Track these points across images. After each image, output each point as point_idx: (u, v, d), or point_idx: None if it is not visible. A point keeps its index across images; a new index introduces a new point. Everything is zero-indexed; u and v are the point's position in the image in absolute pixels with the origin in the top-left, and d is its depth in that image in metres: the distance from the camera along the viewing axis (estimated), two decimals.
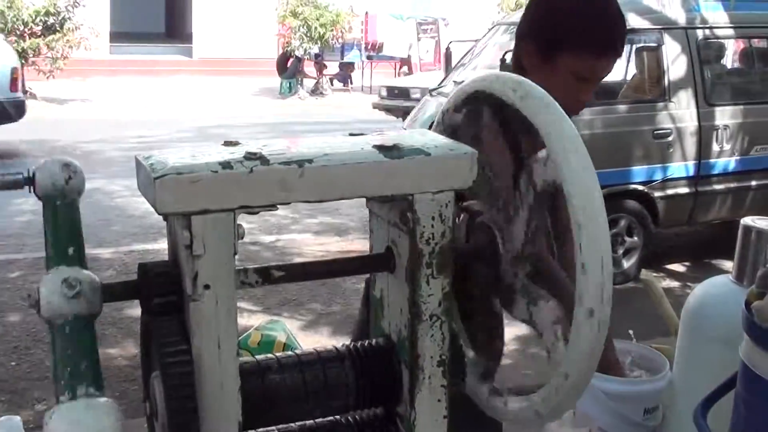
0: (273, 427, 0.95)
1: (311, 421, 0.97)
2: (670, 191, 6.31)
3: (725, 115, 6.42)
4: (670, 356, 1.70)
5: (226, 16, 24.19)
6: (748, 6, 6.70)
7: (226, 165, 0.82)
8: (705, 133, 6.31)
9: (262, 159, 0.83)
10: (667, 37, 6.27)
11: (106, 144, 11.96)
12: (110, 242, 7.03)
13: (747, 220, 1.55)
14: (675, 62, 6.27)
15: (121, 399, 4.12)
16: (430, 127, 1.09)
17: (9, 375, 4.39)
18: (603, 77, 1.77)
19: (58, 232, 0.91)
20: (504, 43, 7.24)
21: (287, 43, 20.97)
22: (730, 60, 7.75)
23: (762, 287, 1.18)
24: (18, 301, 5.42)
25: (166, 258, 0.91)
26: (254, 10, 23.54)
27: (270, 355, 0.95)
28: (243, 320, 4.63)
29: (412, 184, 0.89)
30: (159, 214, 0.82)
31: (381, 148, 0.89)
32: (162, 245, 6.41)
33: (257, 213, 0.84)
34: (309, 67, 20.83)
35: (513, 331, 1.44)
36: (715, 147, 6.37)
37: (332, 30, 20.97)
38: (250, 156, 0.83)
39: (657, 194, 6.25)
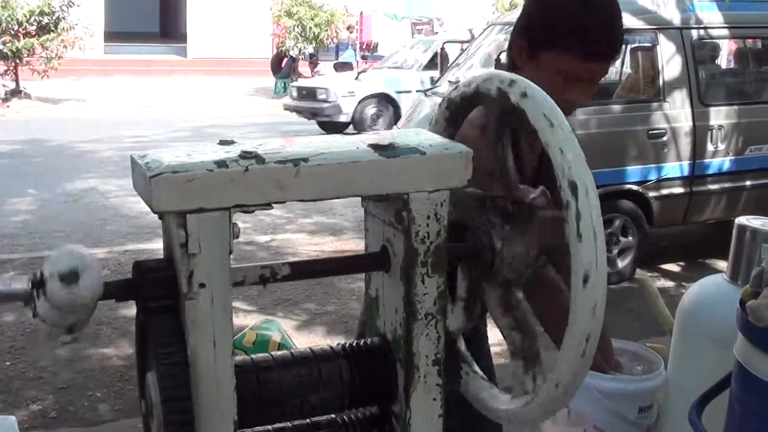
0: (268, 426, 0.95)
1: (306, 420, 0.97)
2: (664, 191, 6.31)
3: (720, 116, 6.43)
4: (664, 355, 1.70)
5: (221, 16, 24.17)
6: (743, 6, 6.70)
7: (222, 164, 0.82)
8: (699, 133, 6.31)
9: (258, 158, 0.83)
10: (661, 37, 6.27)
11: (101, 144, 11.94)
12: (105, 242, 7.02)
13: (742, 220, 1.55)
14: (670, 62, 6.27)
15: (116, 398, 4.11)
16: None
17: (4, 375, 4.38)
18: (596, 80, 1.74)
19: None
20: (499, 42, 7.24)
21: (281, 43, 20.96)
22: (724, 60, 7.76)
23: (756, 286, 1.19)
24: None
25: (162, 257, 0.91)
26: (249, 10, 23.54)
27: (265, 354, 0.95)
28: (238, 320, 4.63)
29: (408, 183, 0.89)
30: (154, 212, 0.82)
31: (376, 147, 0.89)
32: (157, 245, 6.40)
33: (252, 212, 0.84)
34: (303, 67, 20.81)
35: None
36: (710, 147, 6.38)
37: (327, 30, 20.97)
38: (245, 155, 0.83)
39: (652, 194, 6.26)
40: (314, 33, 20.64)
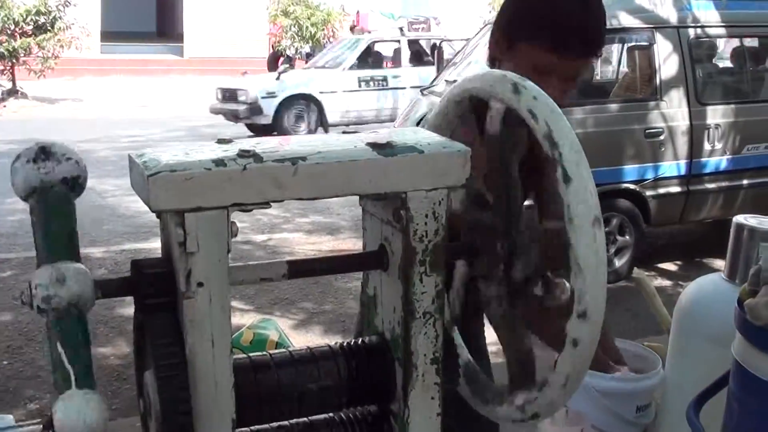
0: (266, 425, 0.95)
1: (305, 419, 0.97)
2: (661, 190, 6.33)
3: (717, 114, 6.44)
4: (662, 354, 1.70)
5: (217, 16, 24.17)
6: (740, 5, 6.71)
7: (220, 162, 0.82)
8: (696, 132, 6.33)
9: (256, 156, 0.83)
10: (658, 36, 6.28)
11: (98, 143, 11.93)
12: (102, 241, 7.02)
13: (739, 218, 1.55)
14: (666, 61, 6.28)
15: (113, 398, 4.11)
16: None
17: (1, 374, 4.38)
18: (572, 77, 1.68)
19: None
20: None
21: (278, 42, 20.95)
22: (721, 59, 7.76)
23: (754, 285, 1.18)
24: (10, 301, 5.41)
25: (160, 256, 0.90)
26: (245, 10, 23.54)
27: (263, 353, 0.95)
28: (235, 319, 4.61)
29: (406, 181, 0.89)
30: (152, 211, 0.81)
31: (374, 145, 0.89)
32: (154, 244, 6.41)
33: (250, 210, 0.84)
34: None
35: None
36: (707, 146, 6.39)
37: (323, 29, 20.96)
38: (243, 153, 0.83)
39: (649, 193, 6.27)
40: (311, 32, 20.65)
